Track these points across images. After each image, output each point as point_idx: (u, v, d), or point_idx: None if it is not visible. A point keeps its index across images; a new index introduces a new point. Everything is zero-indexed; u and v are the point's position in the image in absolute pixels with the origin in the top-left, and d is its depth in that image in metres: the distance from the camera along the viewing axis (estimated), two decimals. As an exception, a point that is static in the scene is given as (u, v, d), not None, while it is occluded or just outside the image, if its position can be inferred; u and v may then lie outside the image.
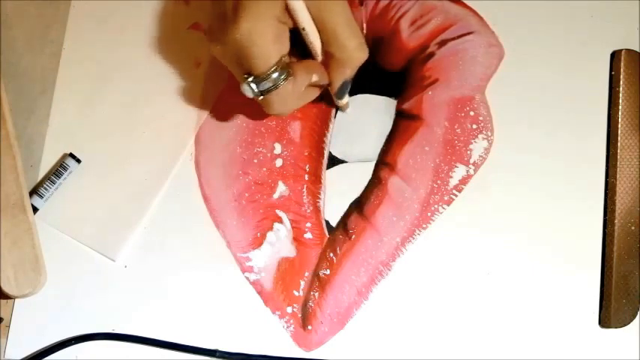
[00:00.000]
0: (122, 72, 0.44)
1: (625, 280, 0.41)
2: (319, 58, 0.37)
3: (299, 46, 0.36)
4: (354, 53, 0.36)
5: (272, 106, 0.36)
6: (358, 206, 0.42)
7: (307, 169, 0.42)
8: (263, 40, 0.33)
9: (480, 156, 0.42)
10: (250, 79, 0.34)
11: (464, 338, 0.40)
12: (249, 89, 0.35)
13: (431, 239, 0.41)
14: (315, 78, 0.36)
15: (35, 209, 0.41)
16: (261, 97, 0.35)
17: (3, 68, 0.43)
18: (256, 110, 0.43)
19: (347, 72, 0.37)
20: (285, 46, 0.35)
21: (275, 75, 0.34)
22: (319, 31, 0.35)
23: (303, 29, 0.35)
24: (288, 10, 0.34)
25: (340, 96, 0.39)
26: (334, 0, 0.34)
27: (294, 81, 0.35)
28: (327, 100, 0.43)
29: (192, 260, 0.41)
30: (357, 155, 0.42)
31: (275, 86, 0.34)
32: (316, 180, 0.42)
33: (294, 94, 0.35)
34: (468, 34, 0.43)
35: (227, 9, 0.33)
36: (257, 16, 0.32)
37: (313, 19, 0.35)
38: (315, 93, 0.39)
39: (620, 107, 0.42)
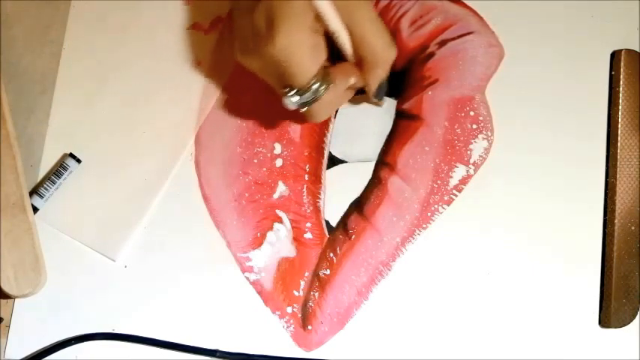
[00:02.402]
0: (122, 72, 0.44)
1: (625, 280, 0.41)
2: (352, 59, 0.37)
3: (331, 49, 0.36)
4: (384, 53, 0.36)
5: (315, 115, 0.36)
6: (358, 206, 0.42)
7: (307, 169, 0.42)
8: (300, 54, 0.33)
9: (479, 156, 0.42)
10: (292, 92, 0.34)
11: (464, 338, 0.40)
12: (291, 102, 0.35)
13: (431, 239, 0.41)
14: (352, 81, 0.37)
15: (35, 209, 0.41)
16: (304, 108, 0.35)
17: (3, 68, 0.43)
18: (256, 110, 0.43)
19: (380, 73, 0.37)
20: (322, 55, 0.35)
21: (315, 86, 0.34)
22: (350, 35, 0.35)
23: (334, 34, 0.35)
24: (318, 17, 0.34)
25: (379, 97, 0.39)
26: (360, 1, 0.35)
27: (335, 88, 0.35)
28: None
29: (192, 260, 0.41)
30: (357, 155, 0.42)
31: (316, 97, 0.34)
32: (316, 180, 0.42)
33: (335, 100, 0.36)
34: (468, 34, 0.43)
35: (260, 25, 0.33)
36: (291, 31, 0.32)
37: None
38: (351, 94, 0.39)
39: (620, 107, 0.42)
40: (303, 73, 0.33)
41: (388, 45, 0.37)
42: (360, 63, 0.37)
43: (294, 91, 0.34)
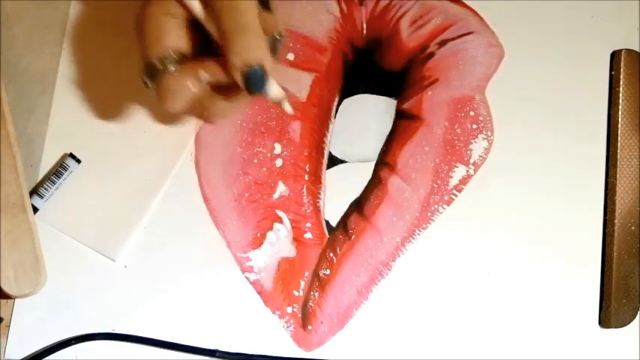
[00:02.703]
0: (122, 72, 0.43)
1: (625, 280, 0.41)
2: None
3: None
4: (230, 35, 0.32)
5: (160, 98, 0.34)
6: (358, 206, 0.42)
7: (307, 169, 0.42)
8: (147, 32, 0.34)
9: (480, 156, 0.42)
10: (141, 67, 0.35)
11: (464, 338, 0.40)
12: (142, 77, 0.35)
13: (431, 239, 0.41)
14: (205, 75, 0.34)
15: (35, 209, 0.41)
16: (148, 86, 0.35)
17: (3, 68, 0.43)
18: (256, 110, 0.43)
19: (234, 60, 0.32)
20: (173, 40, 0.34)
21: (158, 66, 0.34)
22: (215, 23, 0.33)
23: (199, 19, 0.34)
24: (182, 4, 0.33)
25: (252, 88, 0.33)
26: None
27: (176, 77, 0.34)
28: (327, 100, 0.43)
29: (192, 260, 0.41)
30: (357, 155, 0.42)
31: (152, 76, 0.34)
32: (316, 180, 0.42)
33: (178, 90, 0.34)
34: (468, 34, 0.43)
35: None
36: (142, 9, 0.34)
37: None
38: (215, 98, 0.36)
39: (620, 107, 0.42)
40: (146, 50, 0.34)
41: (241, 27, 0.32)
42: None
43: (142, 66, 0.34)
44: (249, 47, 0.32)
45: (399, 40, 0.43)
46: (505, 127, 0.42)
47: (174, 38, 0.34)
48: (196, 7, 0.33)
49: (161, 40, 0.34)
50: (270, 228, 0.41)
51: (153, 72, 0.34)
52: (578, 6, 0.44)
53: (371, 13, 0.43)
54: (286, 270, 0.41)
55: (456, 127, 0.42)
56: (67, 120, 0.43)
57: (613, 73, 0.43)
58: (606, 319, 0.40)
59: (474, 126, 0.42)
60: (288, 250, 0.41)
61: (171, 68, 0.34)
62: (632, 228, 0.41)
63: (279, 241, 0.41)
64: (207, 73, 0.34)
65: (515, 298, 0.41)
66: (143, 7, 0.34)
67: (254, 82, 0.33)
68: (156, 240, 0.41)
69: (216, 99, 0.36)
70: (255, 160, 0.42)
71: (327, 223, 0.42)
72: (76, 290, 0.41)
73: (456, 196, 0.42)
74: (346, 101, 0.43)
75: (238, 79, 0.33)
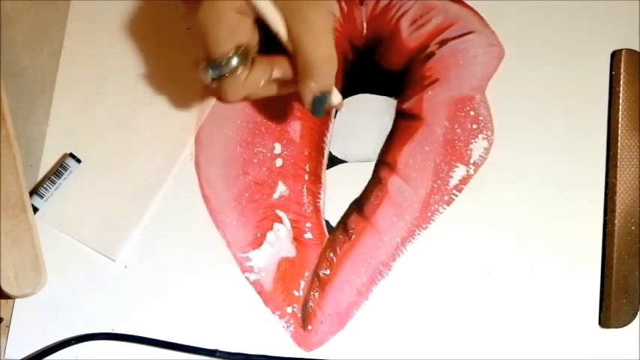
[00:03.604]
0: (122, 72, 0.43)
1: (625, 280, 0.41)
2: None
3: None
4: (318, 65, 0.34)
5: (224, 92, 0.35)
6: (358, 206, 0.42)
7: (307, 169, 0.42)
8: (217, 29, 0.33)
9: (480, 156, 0.42)
10: (205, 64, 0.34)
11: (464, 338, 0.40)
12: (203, 74, 0.35)
13: (431, 239, 0.41)
14: (275, 73, 0.35)
15: (35, 209, 0.41)
16: (215, 82, 0.35)
17: (3, 68, 0.43)
18: (256, 110, 0.43)
19: (312, 85, 0.34)
20: (244, 37, 0.34)
21: (228, 62, 0.34)
22: (288, 35, 0.34)
23: (269, 25, 0.34)
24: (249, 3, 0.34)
25: (314, 111, 0.36)
26: (309, 2, 0.33)
27: (253, 73, 0.35)
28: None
29: (192, 260, 0.41)
30: (357, 155, 0.42)
31: (225, 73, 0.34)
32: (316, 180, 0.42)
33: (248, 84, 0.35)
34: (468, 33, 0.43)
35: None
36: (212, 6, 0.33)
37: (284, 19, 0.34)
38: (274, 89, 0.37)
39: (620, 107, 0.42)
40: (216, 47, 0.34)
41: (326, 58, 0.34)
42: (297, 69, 0.35)
43: (208, 63, 0.34)
44: (329, 77, 0.35)
45: (400, 39, 0.43)
46: (505, 127, 0.42)
47: (246, 35, 0.34)
48: (273, 20, 0.34)
49: (234, 37, 0.34)
50: (270, 228, 0.41)
51: (221, 67, 0.34)
52: (578, 6, 0.44)
53: (371, 12, 0.43)
54: (286, 270, 0.41)
55: (456, 126, 0.42)
56: (67, 120, 0.43)
57: (613, 73, 0.43)
58: (606, 319, 0.40)
59: (474, 126, 0.42)
60: (288, 250, 0.41)
61: (243, 64, 0.34)
62: (632, 228, 0.41)
63: (279, 241, 0.41)
64: (279, 70, 0.35)
65: (515, 298, 0.41)
66: (210, 4, 0.33)
67: (320, 105, 0.36)
68: (156, 240, 0.41)
69: (271, 89, 0.37)
70: (255, 160, 0.42)
71: (327, 223, 0.42)
72: (76, 290, 0.41)
73: (456, 196, 0.42)
74: (346, 101, 0.43)
75: (308, 99, 0.35)
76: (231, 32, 0.34)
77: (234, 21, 0.34)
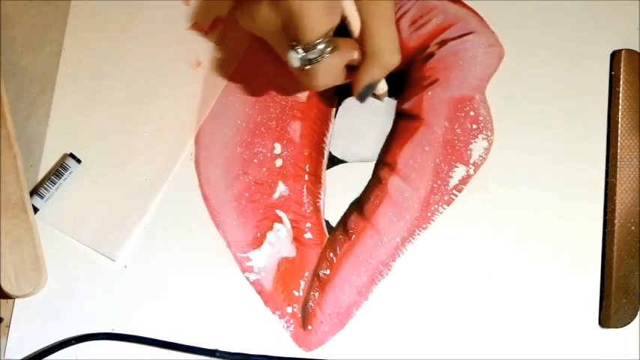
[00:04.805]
0: (122, 72, 0.44)
1: (625, 280, 0.41)
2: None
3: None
4: (386, 57, 0.37)
5: (314, 77, 0.36)
6: (358, 206, 0.42)
7: (307, 169, 0.42)
8: (316, 9, 0.33)
9: (480, 156, 0.42)
10: (298, 47, 0.34)
11: (464, 338, 0.40)
12: (296, 57, 0.35)
13: (431, 239, 0.41)
14: (355, 56, 0.37)
15: (36, 209, 0.41)
16: (307, 67, 0.35)
17: (3, 68, 0.43)
18: (256, 110, 0.43)
19: (375, 73, 0.37)
20: (336, 20, 0.35)
21: (322, 46, 0.34)
22: (361, 26, 0.36)
23: (346, 18, 0.36)
24: None
25: (361, 97, 0.39)
26: (381, 0, 0.35)
27: (340, 55, 0.36)
28: (327, 100, 0.43)
29: (192, 260, 0.41)
30: (357, 155, 0.42)
31: (321, 57, 0.35)
32: (316, 180, 0.42)
33: (336, 68, 0.36)
34: (468, 34, 0.43)
35: None
36: None
37: (359, 13, 0.36)
38: (345, 74, 0.38)
39: (620, 107, 0.42)
40: (313, 28, 0.34)
41: (394, 51, 0.37)
42: (362, 55, 0.37)
43: (301, 46, 0.34)
44: (390, 67, 0.37)
45: (400, 40, 0.43)
46: (505, 127, 0.42)
47: (337, 19, 0.35)
48: (351, 11, 0.36)
49: (330, 21, 0.34)
50: (270, 228, 0.41)
51: (316, 50, 0.34)
52: (578, 6, 0.44)
53: (371, 13, 0.43)
54: (286, 270, 0.41)
55: (456, 127, 0.42)
56: (67, 120, 0.43)
57: (613, 73, 0.43)
58: (606, 319, 0.40)
59: (474, 126, 0.42)
60: (288, 250, 0.41)
61: (333, 48, 0.35)
62: (632, 228, 0.41)
63: (279, 241, 0.41)
64: (358, 56, 0.37)
65: (515, 298, 0.41)
66: None
67: (369, 91, 0.38)
68: (156, 240, 0.41)
69: (341, 77, 0.38)
70: (255, 160, 0.42)
71: (327, 223, 0.42)
72: (76, 290, 0.41)
73: (456, 196, 0.42)
74: (346, 101, 0.43)
75: (363, 84, 0.37)
76: (328, 13, 0.34)
77: (331, 2, 0.34)
